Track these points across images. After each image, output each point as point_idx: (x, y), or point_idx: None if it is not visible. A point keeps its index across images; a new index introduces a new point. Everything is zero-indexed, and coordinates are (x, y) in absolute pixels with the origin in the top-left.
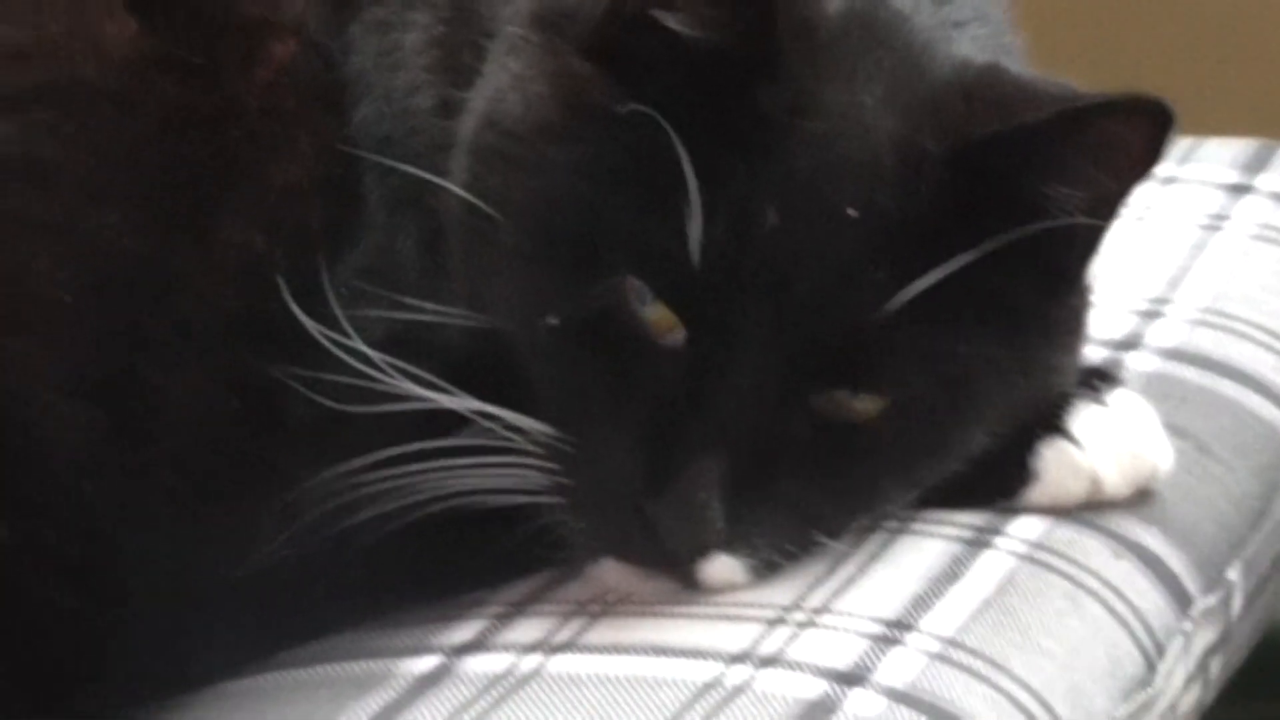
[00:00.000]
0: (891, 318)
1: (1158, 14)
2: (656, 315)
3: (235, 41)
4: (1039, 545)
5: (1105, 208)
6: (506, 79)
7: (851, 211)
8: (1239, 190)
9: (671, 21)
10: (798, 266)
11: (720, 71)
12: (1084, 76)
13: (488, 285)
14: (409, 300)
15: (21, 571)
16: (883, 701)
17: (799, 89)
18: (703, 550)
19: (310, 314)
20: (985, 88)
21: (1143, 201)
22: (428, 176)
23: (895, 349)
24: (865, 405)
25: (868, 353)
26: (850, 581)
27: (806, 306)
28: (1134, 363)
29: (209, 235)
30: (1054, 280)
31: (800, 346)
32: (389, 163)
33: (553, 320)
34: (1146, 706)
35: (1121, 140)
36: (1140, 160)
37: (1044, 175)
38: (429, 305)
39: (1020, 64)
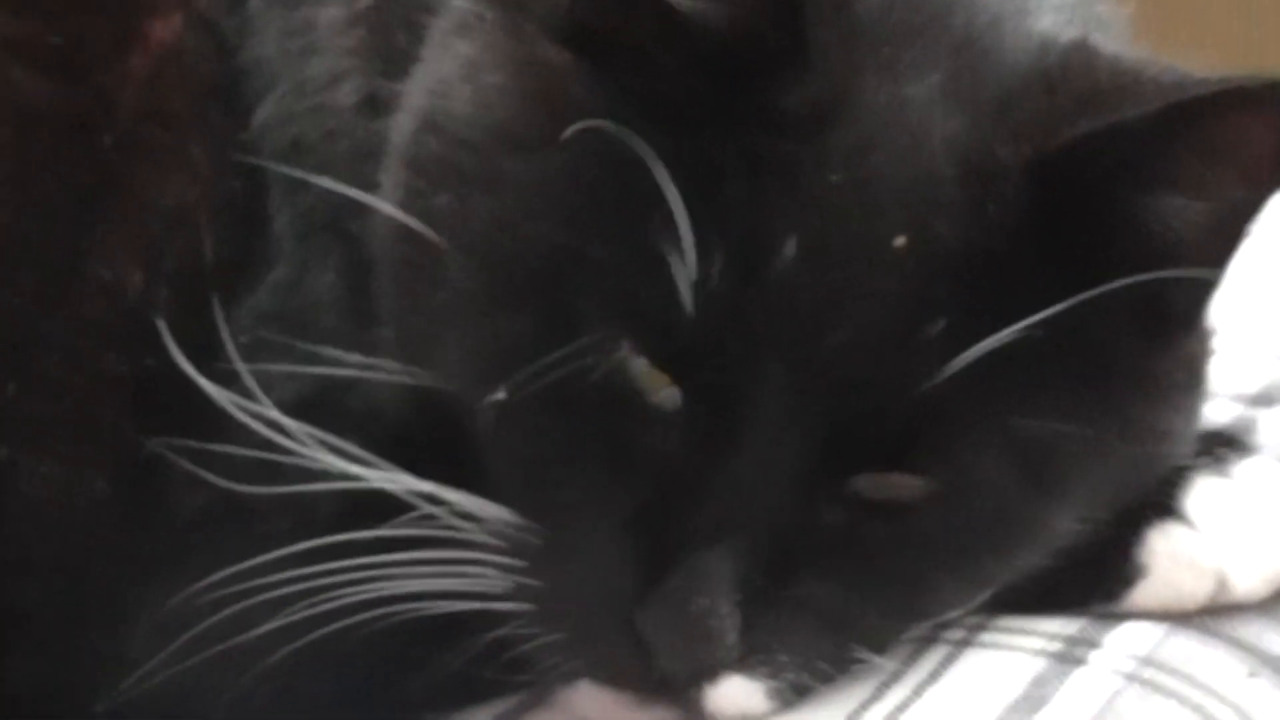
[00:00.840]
0: (953, 379)
1: None
2: (648, 376)
3: (104, 20)
4: (1148, 661)
5: (1230, 225)
6: (454, 67)
7: (899, 242)
8: None
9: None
10: (826, 314)
11: (730, 62)
12: (1201, 58)
13: (429, 334)
14: (326, 351)
15: None
16: None
17: (829, 84)
18: (710, 671)
19: (201, 369)
20: (1073, 75)
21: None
22: (350, 192)
23: (956, 418)
24: (916, 487)
25: (920, 426)
26: (902, 708)
27: (839, 367)
28: (1271, 424)
29: (73, 273)
30: (1163, 322)
31: (831, 418)
32: (300, 174)
33: (515, 379)
34: None
35: (1249, 137)
36: (1273, 162)
37: (1150, 185)
38: (352, 357)
39: (1118, 41)
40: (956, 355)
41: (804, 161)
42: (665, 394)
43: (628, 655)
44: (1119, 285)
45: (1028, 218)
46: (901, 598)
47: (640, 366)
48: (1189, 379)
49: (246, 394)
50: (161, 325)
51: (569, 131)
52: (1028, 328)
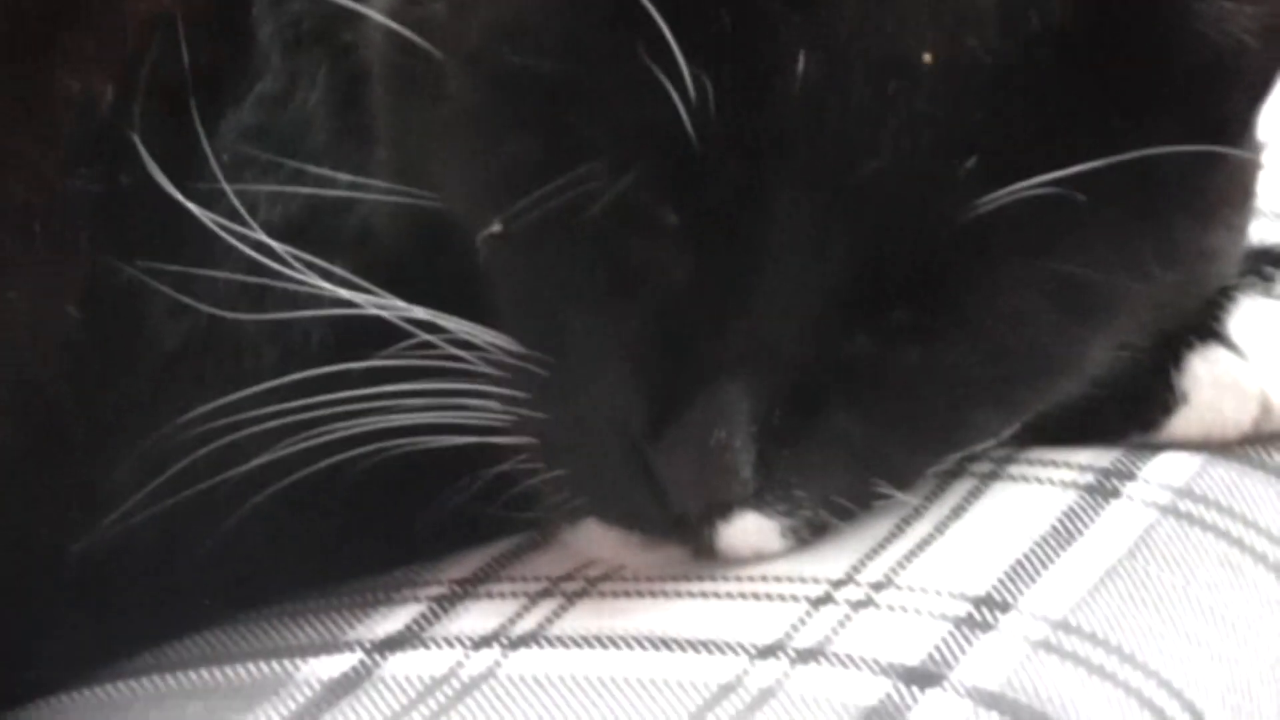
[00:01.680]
0: (985, 220)
1: None
2: (658, 204)
3: None
4: (1185, 493)
5: None
6: None
7: (927, 56)
8: None
9: None
10: (847, 137)
11: None
12: None
13: (428, 152)
14: (314, 170)
15: None
16: (966, 706)
17: None
18: (722, 507)
19: (181, 189)
20: None
21: None
22: (341, 0)
23: (988, 257)
24: (948, 317)
25: (952, 255)
26: (923, 545)
27: (862, 195)
28: None
29: (38, 87)
30: (1210, 134)
31: (858, 245)
32: None
33: (519, 204)
34: None
35: None
36: None
37: None
38: (342, 176)
39: None
40: (990, 192)
41: None
42: (675, 221)
43: (638, 492)
44: (1172, 118)
45: (1073, 29)
46: (929, 430)
47: (649, 194)
48: (1238, 195)
49: (230, 215)
50: (137, 141)
51: None
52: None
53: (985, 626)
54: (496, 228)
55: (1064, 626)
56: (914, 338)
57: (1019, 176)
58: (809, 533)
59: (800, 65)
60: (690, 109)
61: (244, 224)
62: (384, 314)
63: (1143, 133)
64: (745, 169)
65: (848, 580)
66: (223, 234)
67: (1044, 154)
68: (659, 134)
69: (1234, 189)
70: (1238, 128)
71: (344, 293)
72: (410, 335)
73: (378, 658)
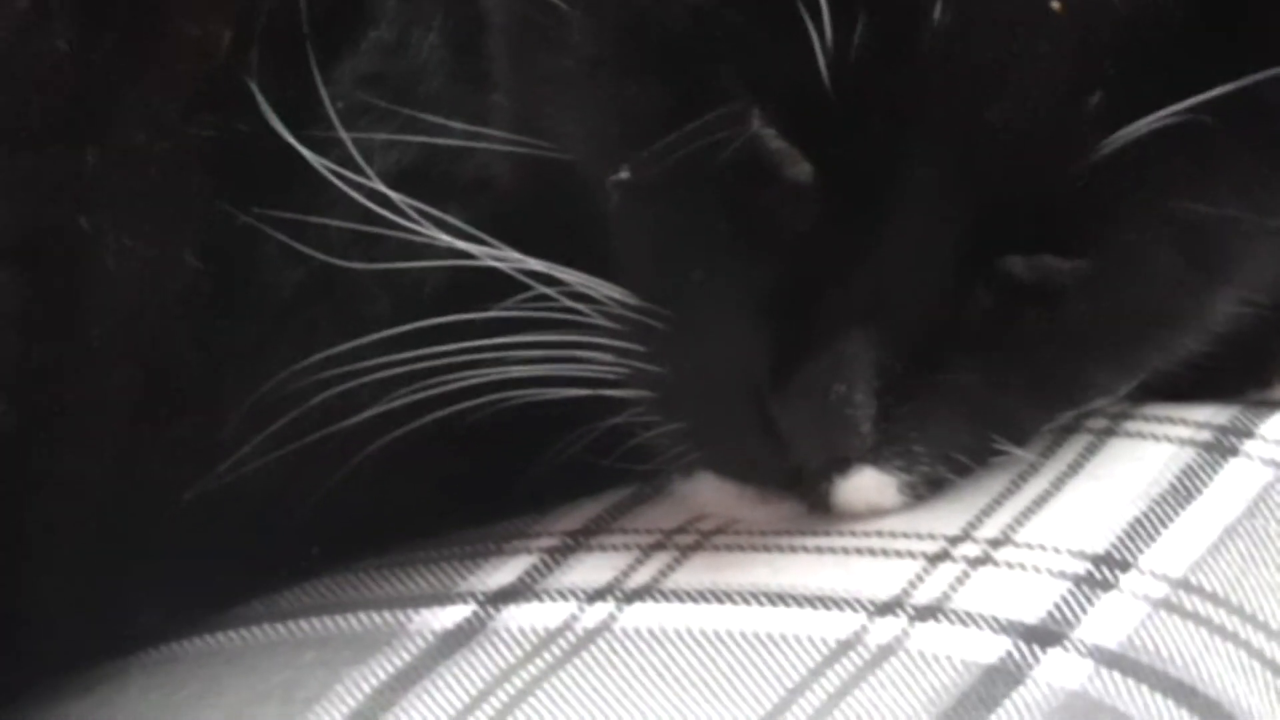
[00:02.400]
0: (1112, 156)
1: None
2: (787, 153)
3: None
4: None
5: None
6: None
7: (1056, 4)
8: None
9: None
10: (979, 85)
11: None
12: None
13: (549, 101)
14: (430, 118)
15: None
16: (1087, 665)
17: None
18: (842, 462)
19: (297, 137)
20: None
21: None
22: None
23: (1116, 198)
24: (1071, 268)
25: (1077, 203)
26: (1040, 502)
27: (992, 141)
28: None
29: (157, 31)
30: None
31: (983, 194)
32: None
33: (645, 153)
34: None
35: None
36: None
37: None
38: (458, 125)
39: None
40: (1118, 129)
41: None
42: (803, 170)
43: (756, 445)
44: None
45: None
46: (1050, 385)
47: (778, 142)
48: None
49: (345, 162)
50: (254, 87)
51: None
52: (1199, 104)
53: (1105, 585)
54: (625, 174)
55: (1184, 585)
56: (1037, 291)
57: (1145, 114)
58: (926, 489)
59: (936, 14)
60: (828, 56)
61: (359, 171)
62: (500, 265)
63: (1270, 80)
64: (878, 118)
65: (965, 537)
66: (337, 181)
67: (1170, 91)
68: (795, 80)
69: None
70: None
71: (459, 243)
72: (526, 287)
73: (491, 610)
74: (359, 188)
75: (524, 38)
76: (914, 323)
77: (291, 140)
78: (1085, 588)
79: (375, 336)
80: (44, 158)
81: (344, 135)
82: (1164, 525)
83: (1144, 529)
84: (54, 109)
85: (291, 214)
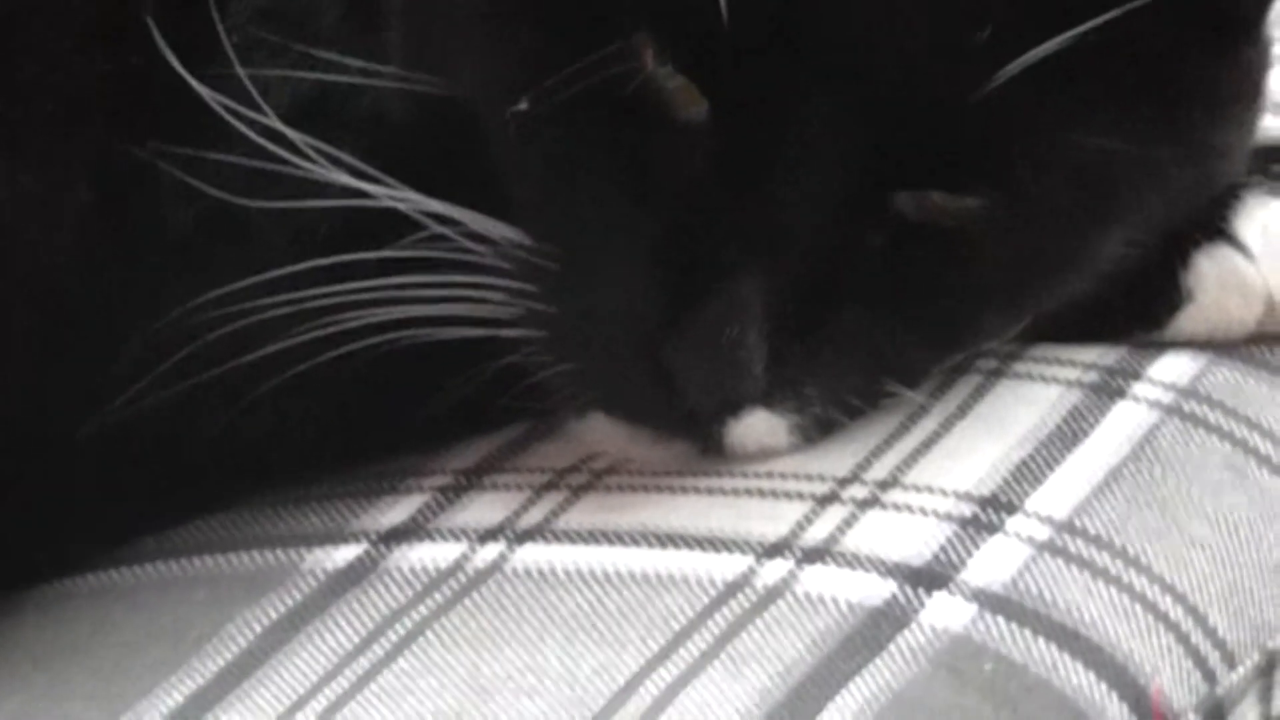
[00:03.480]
0: (1002, 92)
1: None
2: (681, 90)
3: None
4: (1190, 393)
5: None
6: None
7: None
8: None
9: None
10: (872, 21)
11: None
12: None
13: (441, 38)
14: (324, 54)
15: None
16: (970, 609)
17: None
18: (734, 404)
19: (193, 72)
20: None
21: None
22: None
23: (1005, 133)
24: (963, 206)
25: (968, 139)
26: (928, 444)
27: (884, 76)
28: None
29: None
30: (1222, 29)
31: (876, 130)
32: None
33: (538, 90)
34: None
35: None
36: None
37: None
38: (352, 61)
39: None
40: (1005, 64)
41: None
42: (697, 110)
43: (648, 387)
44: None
45: None
46: (941, 326)
47: (672, 78)
48: (1248, 91)
49: (240, 99)
50: (149, 21)
51: None
52: (1082, 35)
53: (991, 528)
54: (523, 105)
55: (1068, 529)
56: (929, 231)
57: (1032, 47)
58: (817, 431)
59: None
60: None
61: (255, 108)
62: (397, 205)
63: (1156, 19)
64: (773, 54)
65: (854, 479)
66: (231, 119)
67: (1056, 24)
68: (693, 15)
69: (1245, 85)
70: (1250, 25)
71: (356, 182)
72: (421, 227)
73: (383, 549)
74: (254, 125)
75: None
76: (806, 264)
77: (186, 75)
78: (971, 530)
79: (271, 274)
80: None
81: (240, 71)
82: (1050, 468)
83: (1030, 472)
84: None
85: (188, 150)
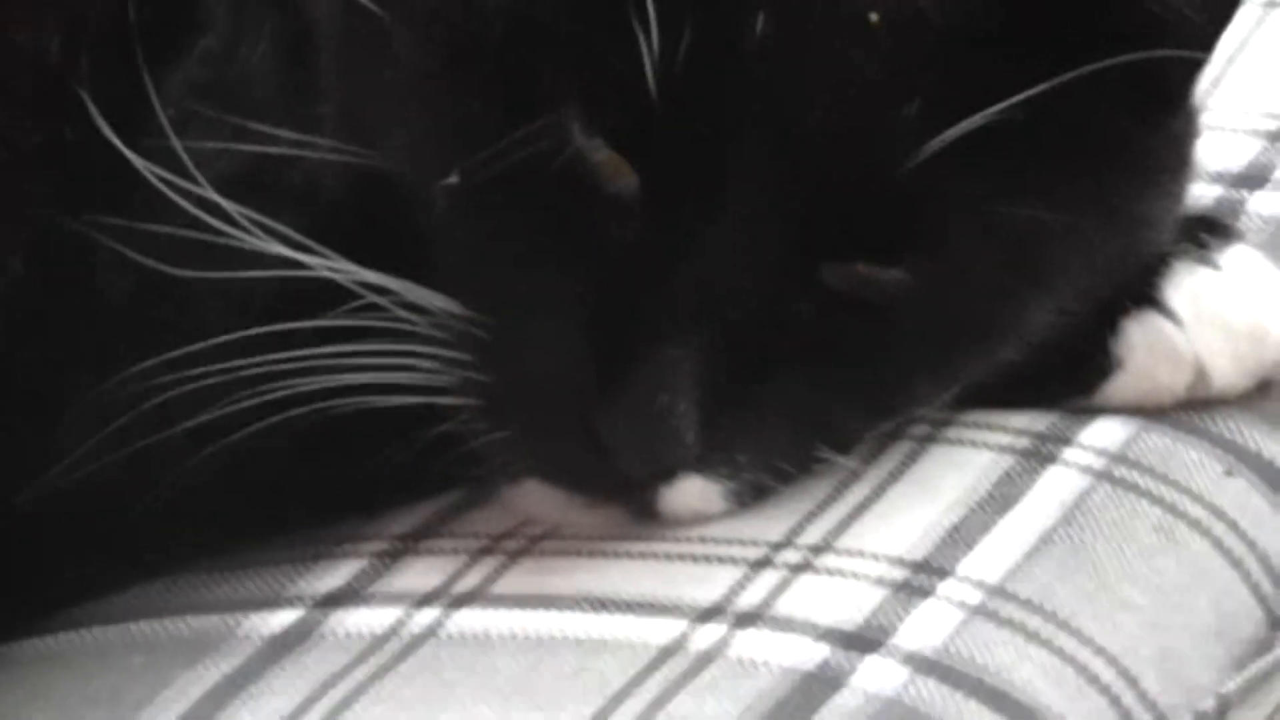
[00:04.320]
0: (929, 165)
1: None
2: (609, 163)
3: None
4: (1121, 459)
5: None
6: None
7: (874, 17)
8: None
9: None
10: (799, 94)
11: None
12: None
13: (373, 110)
14: (259, 127)
15: None
16: (904, 672)
17: None
18: (666, 471)
19: (129, 144)
20: None
21: None
22: None
23: (934, 204)
24: (890, 277)
25: (896, 211)
26: (861, 509)
27: (812, 148)
28: (1257, 205)
29: None
30: (1153, 102)
31: (805, 202)
32: None
33: (467, 164)
34: (1268, 677)
35: None
36: None
37: None
38: (286, 134)
39: None
40: (933, 136)
41: None
42: (626, 182)
43: (581, 454)
44: (1112, 63)
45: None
46: (872, 394)
47: (601, 151)
48: (1176, 161)
49: (176, 170)
50: (84, 95)
51: None
52: (1010, 109)
53: (923, 592)
54: (454, 178)
55: (1000, 593)
56: (859, 300)
57: (960, 120)
58: (750, 496)
59: (759, 25)
60: (654, 65)
61: (191, 179)
62: (332, 275)
63: (1085, 92)
64: (702, 127)
65: (787, 543)
66: (165, 190)
67: (983, 98)
68: (621, 89)
69: (1171, 155)
70: (1177, 95)
71: (290, 252)
72: (356, 296)
73: (321, 613)
74: (189, 196)
75: (347, 48)
76: (736, 332)
77: (121, 147)
78: (903, 595)
79: (208, 344)
80: None
81: (175, 143)
82: (982, 533)
83: (962, 536)
84: None
85: (123, 222)
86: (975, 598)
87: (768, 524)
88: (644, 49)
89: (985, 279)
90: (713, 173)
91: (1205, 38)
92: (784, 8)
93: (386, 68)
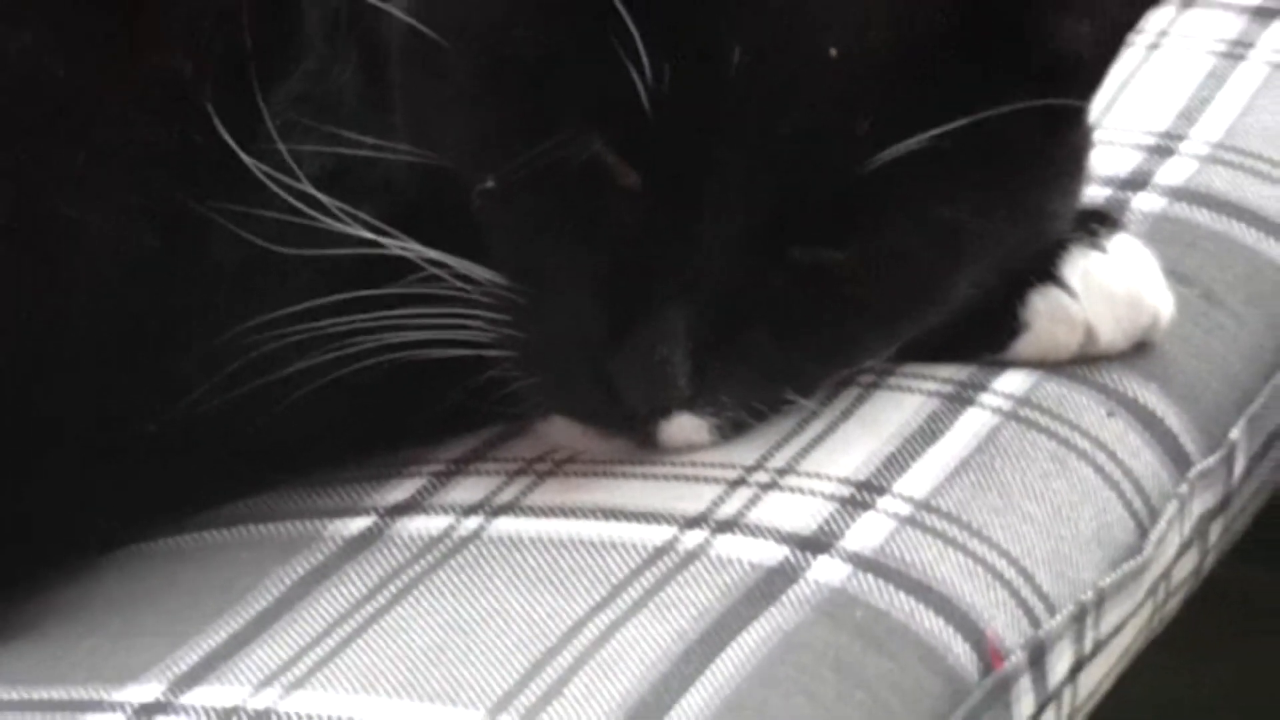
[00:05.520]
0: (876, 172)
1: None
2: (617, 165)
3: None
4: (1025, 401)
5: (1114, 38)
6: None
7: (833, 52)
8: (1265, 15)
9: None
10: (770, 114)
11: None
12: None
13: (433, 121)
14: (347, 133)
15: None
16: (847, 569)
17: None
18: (664, 409)
19: (243, 147)
20: None
21: (1156, 26)
22: None
23: (880, 203)
24: (846, 258)
25: (849, 207)
26: (818, 440)
27: (781, 157)
28: (1139, 204)
29: (131, 59)
30: (1054, 118)
31: (774, 197)
32: None
33: (505, 167)
34: (1136, 575)
35: None
36: None
37: (1055, 9)
38: (368, 139)
39: None
40: (882, 150)
41: None
42: (631, 180)
43: (597, 395)
44: (1020, 105)
45: (953, 34)
46: (828, 349)
47: (610, 157)
48: (1074, 168)
49: (279, 167)
50: (210, 109)
51: None
52: (943, 132)
53: (864, 506)
54: (490, 184)
55: (926, 507)
56: (819, 275)
57: (903, 138)
58: (730, 430)
59: (735, 58)
60: (647, 87)
61: (291, 175)
62: (401, 251)
63: (1002, 118)
64: (689, 137)
65: (758, 467)
66: (272, 185)
67: (924, 121)
68: (622, 107)
69: (1071, 163)
70: (1075, 114)
71: (369, 234)
72: (420, 269)
73: (388, 520)
74: (290, 189)
75: (413, 70)
76: (720, 299)
77: (237, 149)
78: (849, 508)
79: (303, 306)
80: (40, 152)
81: (280, 146)
82: (912, 459)
83: (896, 462)
84: (48, 117)
85: (238, 207)
86: (906, 510)
87: (743, 451)
88: (636, 78)
89: (918, 261)
90: (700, 174)
91: (1097, 70)
92: (758, 43)
93: (442, 85)
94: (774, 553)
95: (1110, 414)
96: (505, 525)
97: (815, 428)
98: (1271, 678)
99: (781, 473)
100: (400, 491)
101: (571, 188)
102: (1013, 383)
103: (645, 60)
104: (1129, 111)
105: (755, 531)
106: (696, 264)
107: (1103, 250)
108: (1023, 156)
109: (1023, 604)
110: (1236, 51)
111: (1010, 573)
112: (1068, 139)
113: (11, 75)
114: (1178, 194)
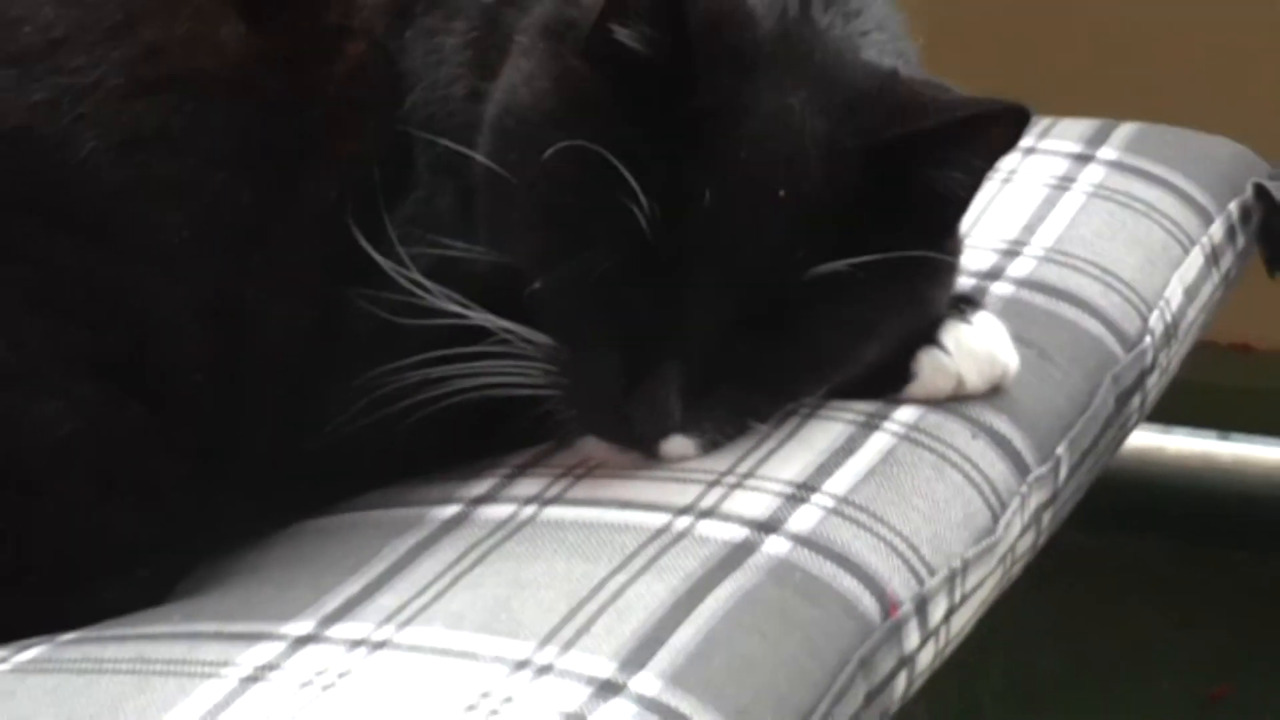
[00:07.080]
0: (808, 282)
1: (1025, 20)
2: (630, 272)
3: (320, 42)
4: (914, 427)
5: (978, 179)
6: (520, 76)
7: (781, 194)
8: (1082, 159)
9: (621, 36)
10: (733, 238)
11: (664, 77)
12: (965, 74)
13: (503, 235)
14: (445, 240)
15: (151, 444)
16: (789, 544)
17: (724, 98)
18: (664, 433)
19: (374, 249)
20: (889, 94)
21: (1007, 167)
22: (461, 149)
23: (814, 303)
24: (788, 336)
25: (792, 306)
26: (771, 453)
27: (741, 268)
28: (995, 290)
29: (296, 190)
30: (936, 234)
31: (738, 294)
32: (432, 138)
33: (552, 271)
34: (990, 549)
35: (991, 135)
36: (1004, 146)
37: (936, 165)
38: (460, 244)
39: (915, 66)
40: (813, 268)
41: (720, 144)
42: (640, 284)
43: (617, 422)
44: (916, 231)
45: (864, 187)
46: (780, 394)
47: (625, 268)
48: (949, 267)
49: (399, 264)
50: (350, 223)
51: (549, 152)
52: (855, 244)
53: (802, 500)
54: (537, 285)
55: (845, 501)
56: (771, 347)
57: (830, 259)
58: (710, 447)
59: (706, 199)
60: (649, 222)
61: (406, 269)
62: (482, 322)
63: (900, 239)
64: (679, 255)
65: (729, 472)
66: (394, 275)
67: (845, 251)
68: (631, 236)
69: (946, 265)
70: (952, 228)
71: (459, 310)
72: (494, 333)
73: (470, 508)
74: (406, 278)
75: (490, 198)
76: (702, 360)
77: (372, 252)
78: (791, 501)
79: (413, 359)
80: (232, 258)
81: (399, 250)
82: (836, 467)
83: (825, 469)
84: (237, 232)
85: (370, 290)
86: (831, 503)
87: (718, 461)
88: (638, 214)
89: (839, 338)
90: (688, 279)
91: (966, 200)
92: (723, 186)
93: (511, 210)
94: (739, 533)
95: (974, 436)
96: (553, 512)
97: (769, 444)
98: (1083, 609)
99: (745, 476)
100: (480, 487)
101: (597, 288)
102: (906, 414)
103: (643, 202)
104: (989, 225)
105: (726, 517)
106: (685, 337)
107: (969, 322)
108: (914, 268)
109: (911, 569)
110: (1064, 184)
111: (903, 547)
112: (946, 247)
113: (214, 204)
114: (1022, 283)
